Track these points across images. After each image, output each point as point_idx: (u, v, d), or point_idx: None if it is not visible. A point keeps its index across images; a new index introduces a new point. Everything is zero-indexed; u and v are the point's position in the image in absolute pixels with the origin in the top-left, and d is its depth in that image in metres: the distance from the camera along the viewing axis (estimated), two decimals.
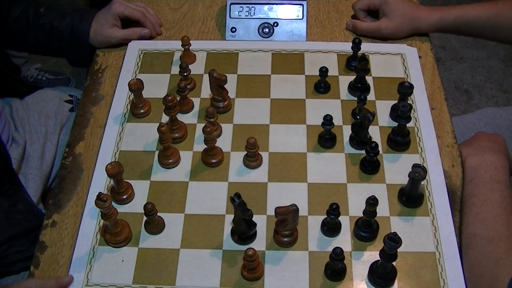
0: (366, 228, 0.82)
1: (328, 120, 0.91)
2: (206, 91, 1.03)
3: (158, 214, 0.83)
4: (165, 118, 0.98)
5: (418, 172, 0.82)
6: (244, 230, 0.81)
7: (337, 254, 0.75)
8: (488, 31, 1.06)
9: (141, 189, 0.90)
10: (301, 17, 1.13)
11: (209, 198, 0.88)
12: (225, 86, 0.98)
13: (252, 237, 0.83)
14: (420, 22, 1.09)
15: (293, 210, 0.76)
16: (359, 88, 1.02)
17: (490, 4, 1.06)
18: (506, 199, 0.81)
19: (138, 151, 0.95)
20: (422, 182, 0.86)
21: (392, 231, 0.72)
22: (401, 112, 0.89)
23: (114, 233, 0.82)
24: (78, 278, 0.80)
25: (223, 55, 1.11)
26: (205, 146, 0.91)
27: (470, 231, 0.79)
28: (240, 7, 1.13)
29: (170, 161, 0.92)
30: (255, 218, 0.81)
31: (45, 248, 0.84)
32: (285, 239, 0.82)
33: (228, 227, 0.84)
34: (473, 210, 0.81)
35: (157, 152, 0.94)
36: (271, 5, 1.13)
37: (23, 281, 0.78)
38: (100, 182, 0.90)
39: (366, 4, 1.12)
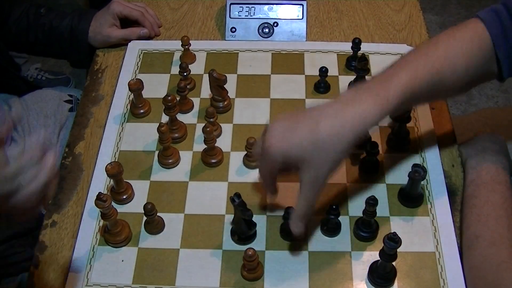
0: (366, 228, 0.82)
1: None
2: (206, 91, 1.03)
3: (158, 214, 0.83)
4: (165, 118, 0.98)
5: (418, 172, 0.82)
6: (244, 230, 0.81)
7: (290, 214, 0.77)
8: (436, 95, 0.79)
9: (141, 189, 0.90)
10: (301, 17, 1.13)
11: (209, 198, 0.88)
12: (225, 86, 0.98)
13: (252, 237, 0.83)
14: (354, 129, 0.70)
15: None
16: None
17: (426, 62, 0.74)
18: (507, 201, 0.81)
19: (138, 151, 0.95)
20: (422, 182, 0.86)
21: (392, 231, 0.72)
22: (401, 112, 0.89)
23: (114, 233, 0.82)
24: (78, 278, 0.80)
25: (223, 55, 1.11)
26: (205, 146, 0.91)
27: (471, 232, 0.79)
28: (240, 7, 1.13)
29: (170, 161, 0.92)
30: (255, 218, 0.81)
31: (45, 248, 0.84)
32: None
33: (228, 227, 0.84)
34: (474, 211, 0.81)
35: (157, 152, 0.94)
36: (271, 5, 1.13)
37: None
38: (100, 182, 0.90)
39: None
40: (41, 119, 1.18)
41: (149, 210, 0.81)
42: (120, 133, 0.98)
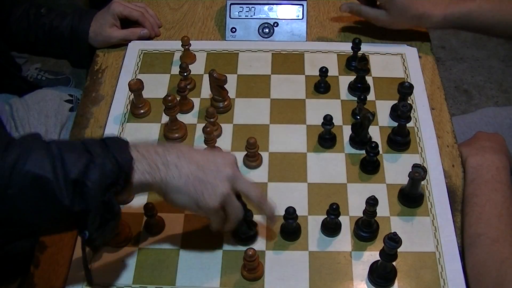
0: (366, 228, 0.82)
1: (328, 120, 0.91)
2: (206, 91, 1.03)
3: (158, 214, 0.83)
4: (165, 118, 0.98)
5: (418, 172, 0.82)
6: (244, 231, 0.81)
7: (290, 213, 0.78)
8: (493, 28, 1.02)
9: None
10: (301, 17, 1.13)
11: None
12: (225, 86, 0.98)
13: (252, 238, 0.83)
14: (421, 22, 1.05)
15: None
16: (359, 88, 1.02)
17: (494, 0, 1.02)
18: (508, 200, 0.81)
19: None
20: (422, 182, 0.86)
21: (392, 231, 0.72)
22: (401, 112, 0.89)
23: (114, 234, 0.82)
24: (78, 278, 0.80)
25: (223, 55, 1.11)
26: (205, 146, 0.91)
27: (473, 231, 0.79)
28: (240, 7, 1.13)
29: None
30: (255, 218, 0.81)
31: (45, 248, 0.84)
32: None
33: None
34: (475, 210, 0.81)
35: None
36: (271, 5, 1.13)
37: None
38: None
39: None
40: (42, 119, 1.18)
41: (149, 210, 0.81)
42: (120, 133, 0.97)
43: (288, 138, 0.96)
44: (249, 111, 1.01)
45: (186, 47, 1.06)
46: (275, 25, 1.13)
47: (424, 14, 1.03)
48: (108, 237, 0.70)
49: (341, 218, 0.82)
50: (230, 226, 0.78)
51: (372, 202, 0.78)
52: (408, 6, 1.04)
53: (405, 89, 0.95)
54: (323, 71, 1.00)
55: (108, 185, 0.65)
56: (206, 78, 1.04)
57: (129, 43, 1.13)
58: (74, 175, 0.63)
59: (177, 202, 0.73)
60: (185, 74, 1.00)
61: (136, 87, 0.96)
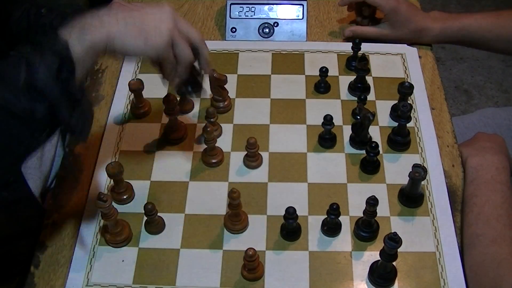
0: (366, 228, 0.82)
1: (328, 120, 0.91)
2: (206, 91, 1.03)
3: (158, 214, 0.83)
4: (165, 118, 0.98)
5: (418, 172, 0.82)
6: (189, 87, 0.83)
7: (290, 213, 0.78)
8: (490, 43, 1.04)
9: (141, 189, 0.90)
10: (301, 17, 1.13)
11: (209, 198, 0.88)
12: (225, 86, 0.98)
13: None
14: (421, 35, 1.07)
15: None
16: (359, 88, 1.02)
17: (492, 16, 1.04)
18: (507, 200, 0.81)
19: (138, 151, 0.95)
20: (422, 182, 0.86)
21: (392, 231, 0.72)
22: (401, 112, 0.89)
23: (114, 233, 0.82)
24: (78, 278, 0.80)
25: (223, 55, 1.11)
26: (205, 146, 0.91)
27: (472, 231, 0.79)
28: (240, 7, 1.13)
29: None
30: (256, 218, 0.81)
31: (45, 248, 0.84)
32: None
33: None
34: (475, 210, 0.81)
35: (157, 152, 0.94)
36: (271, 5, 1.13)
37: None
38: (100, 182, 0.90)
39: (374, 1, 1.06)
40: None
41: (150, 210, 0.81)
42: (120, 133, 0.98)
43: (288, 138, 0.96)
44: (249, 111, 1.01)
45: None
46: (275, 25, 1.13)
47: (424, 28, 1.06)
48: (88, 121, 0.71)
49: (341, 218, 0.82)
50: (181, 70, 0.77)
51: (372, 202, 0.78)
52: (411, 18, 1.06)
53: (405, 89, 0.95)
54: (323, 71, 1.00)
55: (57, 75, 0.64)
56: (206, 78, 1.04)
57: None
58: (22, 84, 0.62)
59: (127, 50, 0.71)
60: None
61: (136, 87, 0.96)
